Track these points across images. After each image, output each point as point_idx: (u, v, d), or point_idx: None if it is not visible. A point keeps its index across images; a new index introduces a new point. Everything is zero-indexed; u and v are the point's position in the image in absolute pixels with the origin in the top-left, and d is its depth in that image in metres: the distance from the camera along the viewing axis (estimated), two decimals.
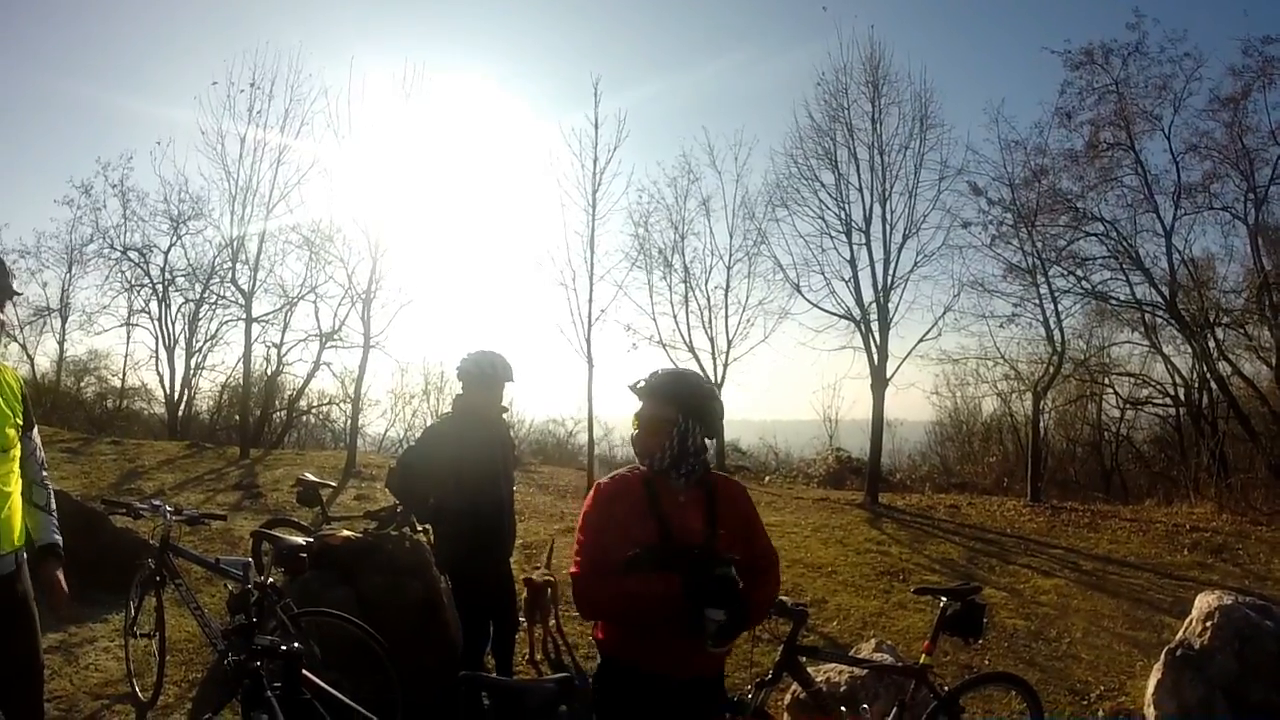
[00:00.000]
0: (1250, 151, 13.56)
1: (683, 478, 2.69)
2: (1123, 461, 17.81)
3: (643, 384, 2.76)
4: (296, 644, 2.87)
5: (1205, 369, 14.68)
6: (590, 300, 13.72)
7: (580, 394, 13.47)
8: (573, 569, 2.64)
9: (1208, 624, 4.94)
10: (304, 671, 2.92)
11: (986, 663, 5.85)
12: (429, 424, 4.89)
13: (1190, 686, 4.81)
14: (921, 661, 4.06)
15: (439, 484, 4.49)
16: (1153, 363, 16.66)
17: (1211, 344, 14.24)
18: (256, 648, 2.93)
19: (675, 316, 14.80)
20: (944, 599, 4.12)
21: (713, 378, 15.18)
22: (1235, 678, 4.73)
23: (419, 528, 4.96)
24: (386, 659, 3.91)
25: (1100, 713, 5.15)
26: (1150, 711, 4.96)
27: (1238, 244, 14.41)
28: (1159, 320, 14.95)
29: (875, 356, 12.99)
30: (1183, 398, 16.38)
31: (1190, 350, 14.82)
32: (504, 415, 4.91)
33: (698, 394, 2.77)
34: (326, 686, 2.87)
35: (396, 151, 14.77)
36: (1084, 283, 14.68)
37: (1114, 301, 15.13)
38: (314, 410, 22.18)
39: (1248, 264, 14.33)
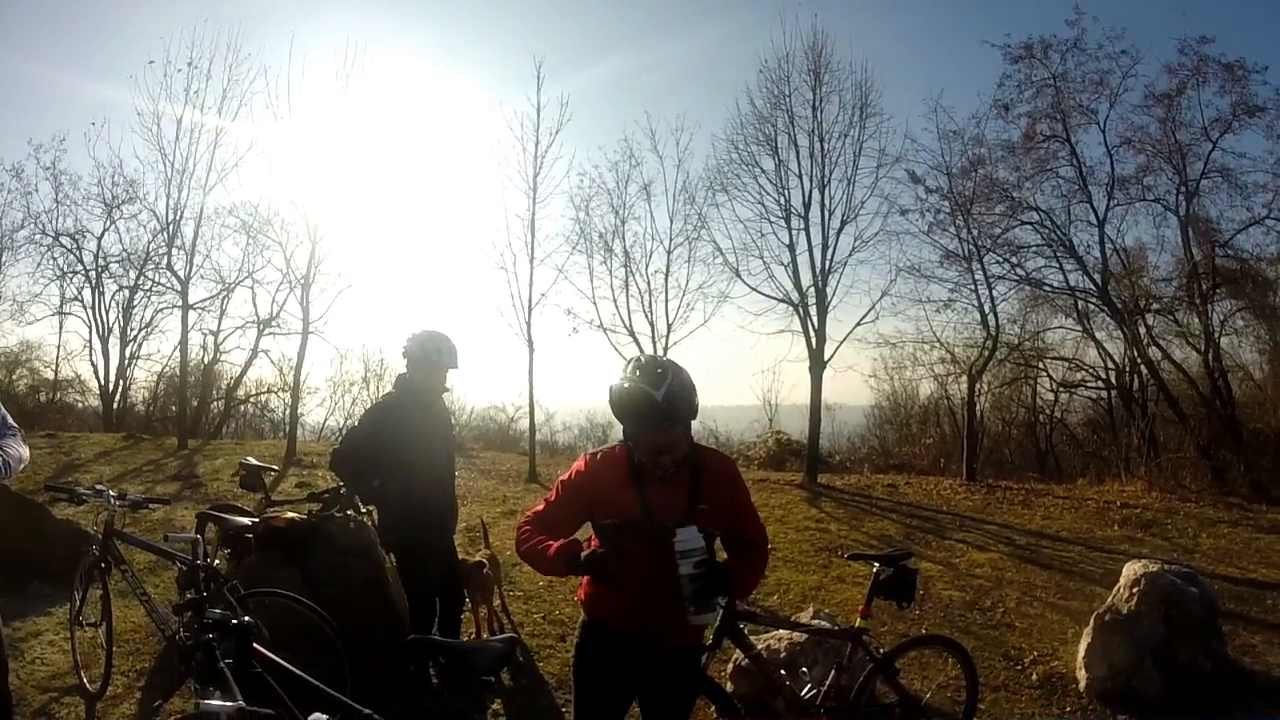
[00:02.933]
0: (1183, 146, 14.13)
1: (659, 461, 2.72)
2: (1057, 442, 18.33)
3: (664, 412, 2.60)
4: (247, 618, 2.83)
5: (1136, 354, 15.22)
6: (530, 284, 13.61)
7: (522, 380, 13.39)
8: (530, 513, 2.82)
9: (1135, 590, 5.07)
10: (255, 645, 2.87)
11: (923, 630, 5.89)
12: (371, 403, 4.84)
13: (1119, 649, 4.93)
14: (857, 624, 4.04)
15: (383, 464, 4.46)
16: (1085, 347, 17.18)
17: (1142, 330, 14.78)
18: (208, 621, 2.86)
19: (615, 300, 14.67)
20: (876, 564, 4.12)
21: None
22: (1162, 640, 4.85)
23: (363, 509, 4.87)
24: (336, 637, 3.90)
25: (1034, 676, 5.22)
26: (1081, 674, 5.06)
27: (1169, 234, 14.98)
28: (1091, 306, 15.41)
29: (813, 340, 13.17)
30: (1114, 381, 16.90)
31: (1122, 336, 15.32)
32: (445, 397, 4.91)
33: (694, 392, 2.74)
34: (278, 659, 2.82)
35: (336, 133, 14.56)
36: (1019, 269, 15.21)
37: (1048, 288, 15.62)
38: (252, 399, 21.92)
39: (1178, 254, 14.90)
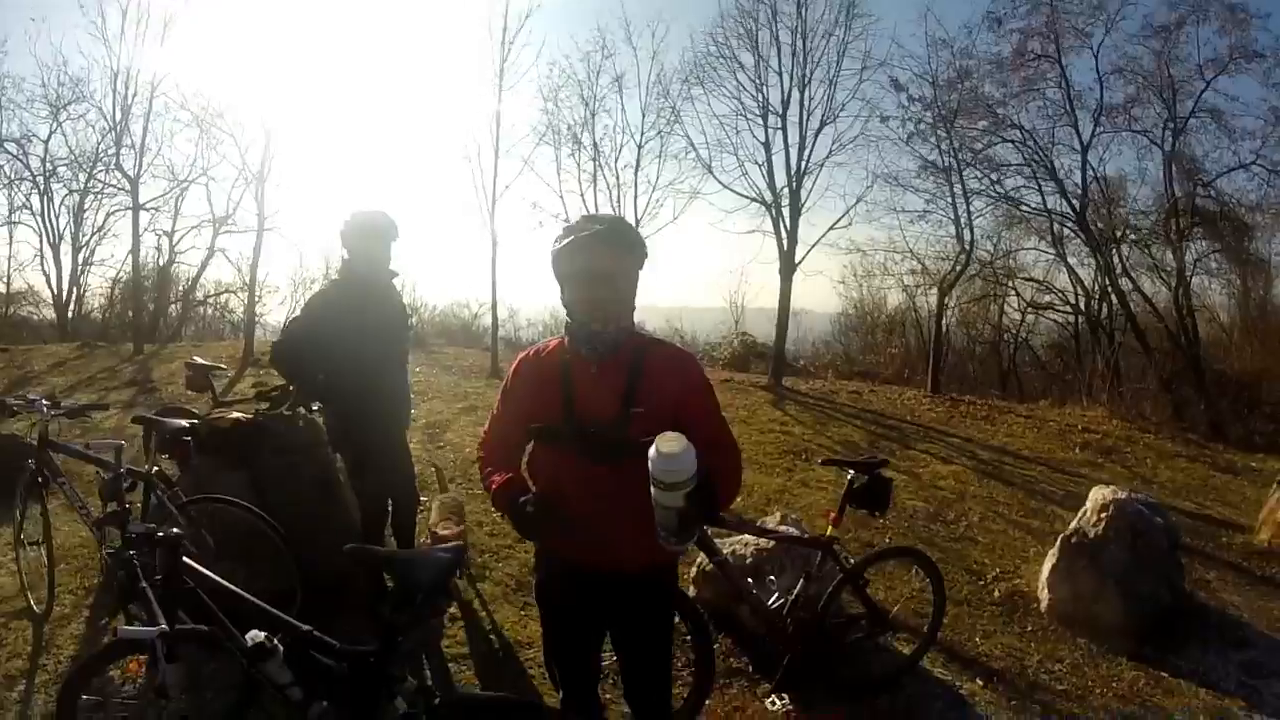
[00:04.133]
0: (1175, 82, 14.03)
1: (592, 344, 2.38)
2: (1020, 363, 18.49)
3: (598, 228, 2.35)
4: (175, 529, 2.55)
5: (1108, 282, 15.29)
6: (495, 175, 12.94)
7: (485, 276, 12.89)
8: (481, 439, 2.66)
9: (1103, 515, 5.04)
10: (185, 559, 2.56)
11: (888, 540, 5.83)
12: (312, 292, 4.38)
13: (1084, 574, 4.91)
14: (828, 533, 3.89)
15: (326, 356, 4.08)
16: (1056, 271, 17.24)
17: (1115, 260, 14.86)
18: (130, 535, 2.63)
19: (583, 195, 14.18)
20: (851, 472, 3.94)
21: None
22: (1126, 569, 4.84)
23: (313, 408, 4.56)
24: (282, 543, 3.74)
25: (996, 594, 5.19)
26: (1044, 595, 5.05)
27: (1151, 168, 15.07)
28: (1067, 231, 15.47)
29: (785, 241, 12.94)
30: (1083, 307, 16.98)
31: (1095, 263, 15.45)
32: (394, 280, 4.41)
33: (638, 233, 2.52)
34: (211, 574, 2.54)
35: (292, 18, 13.59)
36: (997, 186, 15.18)
37: (1025, 208, 15.64)
38: (210, 300, 21.50)
39: (1159, 189, 14.96)
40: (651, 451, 2.02)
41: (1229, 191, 14.56)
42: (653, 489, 2.05)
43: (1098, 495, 5.24)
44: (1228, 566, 5.79)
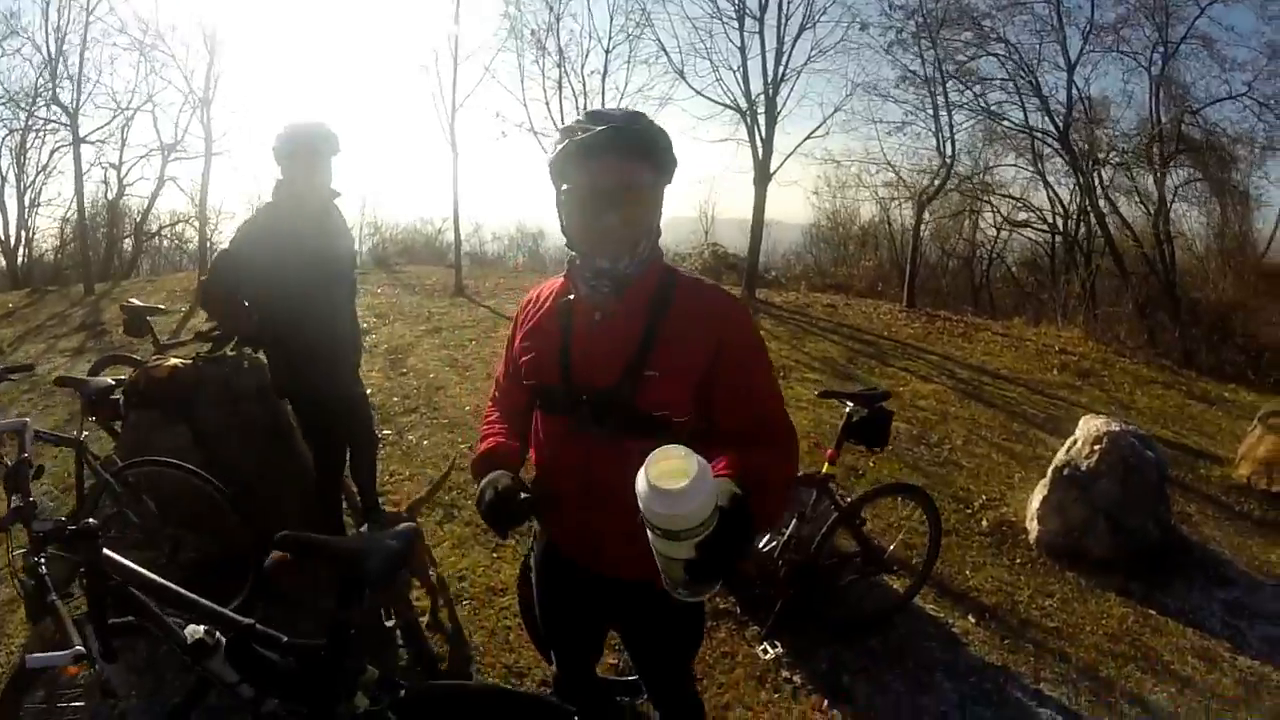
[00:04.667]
0: (1168, 5, 13.75)
1: (596, 283, 1.82)
2: (993, 279, 18.42)
3: (605, 128, 1.70)
4: (90, 519, 2.13)
5: (1087, 203, 15.20)
6: (454, 84, 12.18)
7: (447, 191, 12.23)
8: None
9: (1095, 448, 4.94)
10: (107, 552, 2.15)
11: (870, 464, 5.70)
12: (244, 220, 3.73)
13: (1074, 506, 4.84)
14: (825, 470, 3.69)
15: (262, 294, 3.58)
16: (1034, 190, 17.15)
17: (1096, 181, 14.73)
18: (38, 534, 2.20)
19: (548, 103, 13.50)
20: (850, 405, 3.71)
21: None
22: (1116, 503, 4.78)
23: (252, 351, 4.11)
24: (229, 506, 3.39)
25: (984, 523, 5.11)
26: (1033, 525, 4.97)
27: (1138, 92, 15.46)
28: (1048, 150, 15.34)
29: (760, 151, 12.52)
30: (1060, 227, 16.89)
31: (1076, 183, 15.37)
32: (336, 200, 3.79)
33: (667, 137, 1.82)
34: (137, 567, 2.14)
35: None
36: (980, 100, 14.90)
37: (1007, 124, 15.42)
38: (165, 231, 20.72)
39: (1144, 113, 14.83)
40: (640, 483, 1.38)
41: (1216, 121, 14.42)
42: (648, 532, 1.43)
43: (1089, 426, 5.13)
44: (1208, 500, 5.78)
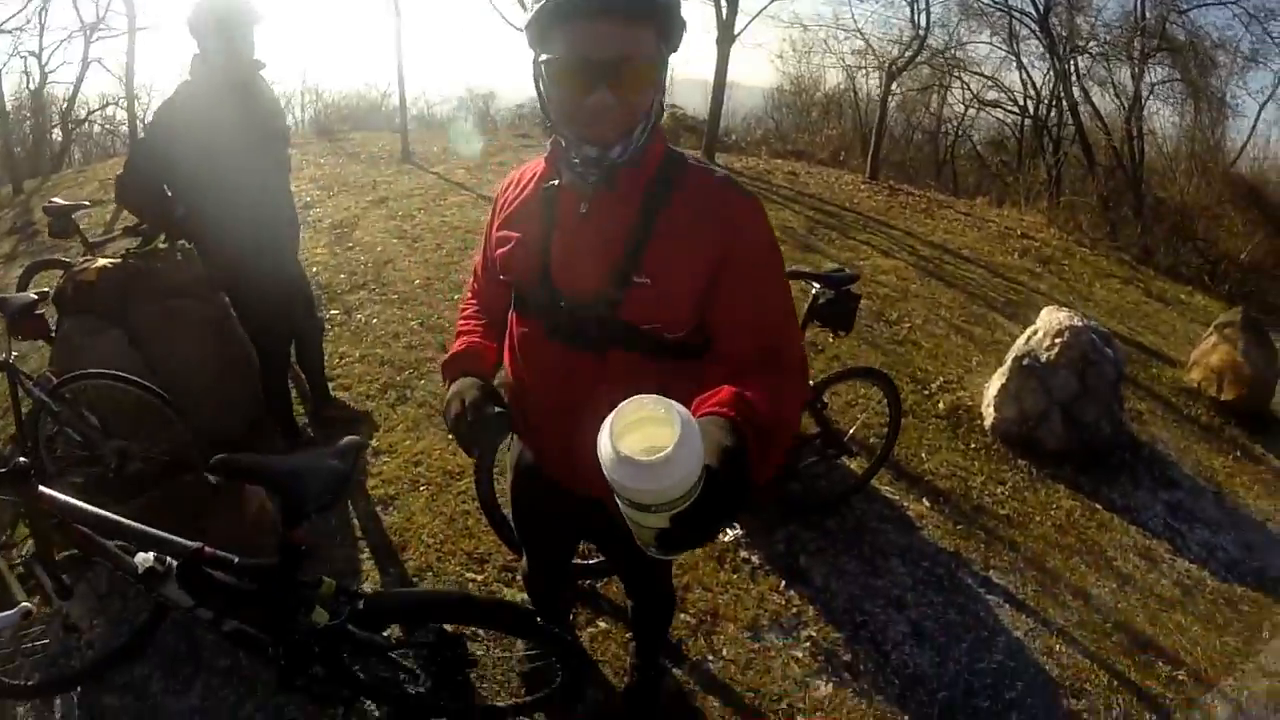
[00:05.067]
0: None
1: (583, 171, 1.48)
2: (958, 155, 18.10)
3: None
4: (20, 459, 1.96)
5: (1061, 90, 14.78)
6: None
7: (392, 56, 11.02)
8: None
9: (1057, 340, 4.88)
10: (43, 489, 1.96)
11: (830, 340, 5.50)
12: (160, 103, 3.17)
13: (1031, 396, 4.78)
14: None
15: (186, 181, 3.21)
16: (1007, 70, 16.64)
17: (1072, 68, 14.32)
18: None
19: None
20: (816, 286, 3.42)
21: None
22: (1073, 396, 4.75)
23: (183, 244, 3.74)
24: (171, 410, 3.21)
25: (941, 405, 5.01)
26: (989, 412, 4.90)
27: None
28: (1025, 31, 14.88)
29: (725, 9, 11.55)
30: (1031, 110, 16.54)
31: (1050, 68, 14.90)
32: (262, 73, 3.32)
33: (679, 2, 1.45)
34: (76, 501, 1.96)
35: None
36: None
37: (985, 1, 14.90)
38: (93, 117, 19.07)
39: (1128, 6, 14.31)
40: (604, 445, 1.03)
41: (1201, 25, 14.02)
42: (621, 505, 1.10)
43: (1052, 319, 5.03)
44: (1158, 400, 5.78)
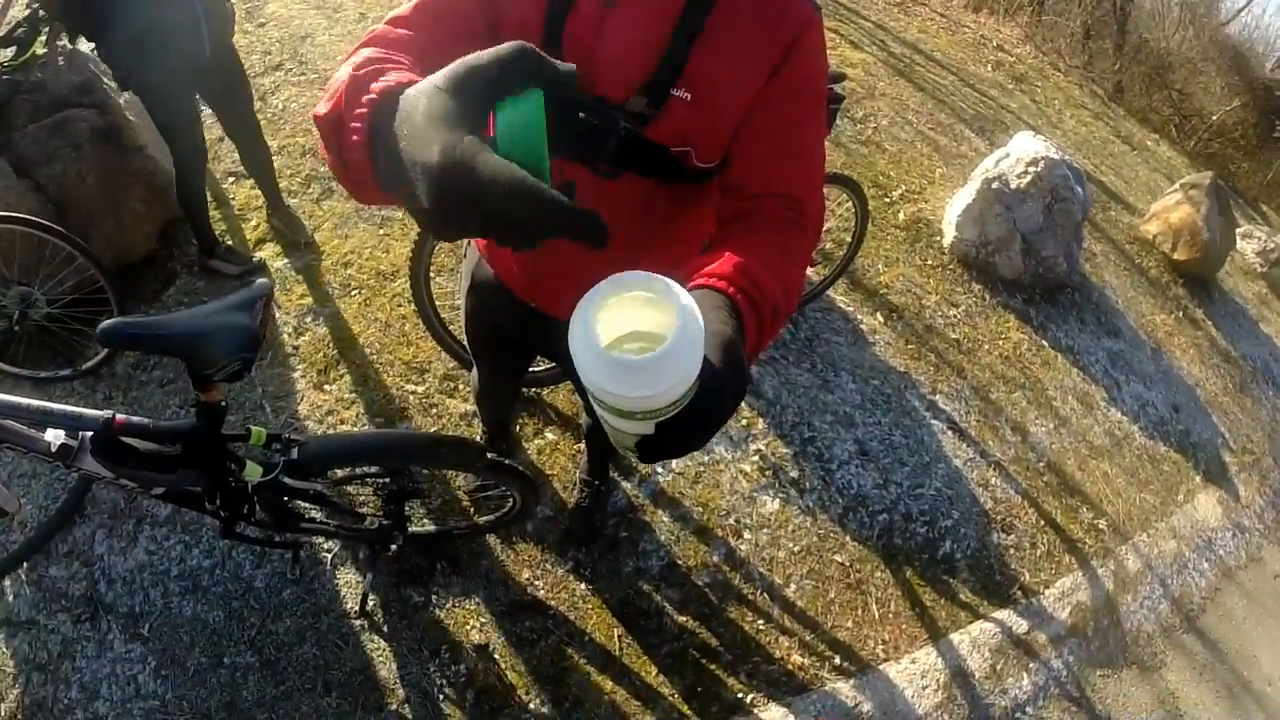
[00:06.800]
0: None
1: None
2: None
3: None
4: None
5: None
6: None
7: None
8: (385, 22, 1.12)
9: (1031, 170, 4.72)
10: None
11: None
12: None
13: (995, 221, 4.61)
14: None
15: None
16: None
17: None
18: None
19: None
20: None
21: None
22: (1036, 228, 4.65)
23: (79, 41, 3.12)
24: (67, 244, 2.73)
25: (900, 215, 4.74)
26: (949, 230, 4.69)
27: None
28: None
29: None
30: None
31: None
32: None
33: None
34: None
35: None
36: None
37: None
38: None
39: None
40: (578, 337, 0.72)
41: None
42: (595, 405, 0.81)
43: (1027, 146, 4.84)
44: (1112, 245, 5.70)
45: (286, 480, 1.86)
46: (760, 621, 2.54)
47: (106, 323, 1.52)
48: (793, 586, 2.65)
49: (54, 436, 1.71)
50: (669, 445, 0.80)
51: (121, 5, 2.63)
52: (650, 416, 0.77)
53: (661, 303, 0.74)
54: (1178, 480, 3.92)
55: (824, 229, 3.88)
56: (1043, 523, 3.21)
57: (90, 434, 1.71)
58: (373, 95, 0.77)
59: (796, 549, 2.73)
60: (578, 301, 0.74)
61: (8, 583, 2.37)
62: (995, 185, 4.65)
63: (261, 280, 1.71)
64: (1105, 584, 3.21)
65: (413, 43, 1.06)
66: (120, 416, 1.71)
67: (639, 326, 0.79)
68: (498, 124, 0.70)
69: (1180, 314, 5.27)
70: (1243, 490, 4.18)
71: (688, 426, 0.78)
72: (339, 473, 2.24)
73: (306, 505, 2.18)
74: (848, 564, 2.76)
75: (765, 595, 2.60)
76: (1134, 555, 3.39)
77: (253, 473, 1.80)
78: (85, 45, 3.32)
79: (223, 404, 1.70)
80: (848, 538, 2.75)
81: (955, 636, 2.73)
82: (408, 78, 0.80)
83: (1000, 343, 4.09)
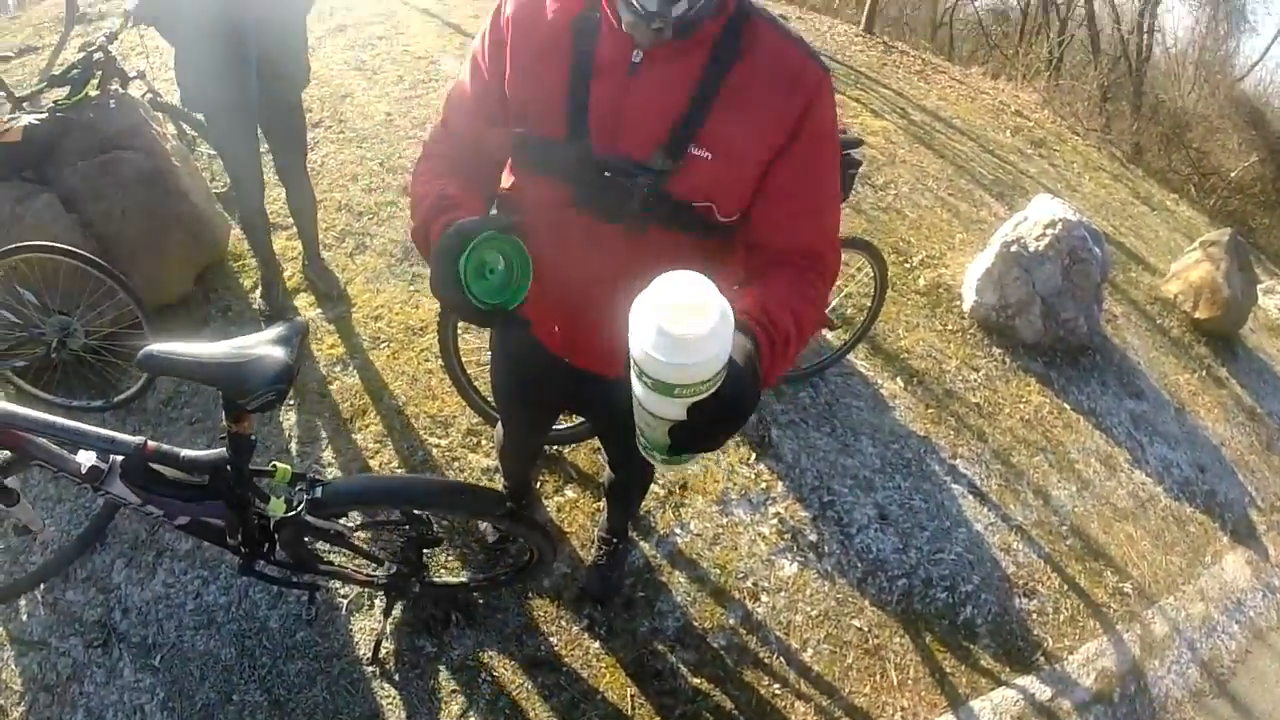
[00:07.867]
0: None
1: (652, 20, 1.20)
2: (956, 19, 17.40)
3: None
4: None
5: None
6: None
7: None
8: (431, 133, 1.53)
9: (1048, 231, 4.77)
10: None
11: None
12: None
13: (1014, 284, 4.66)
14: None
15: None
16: None
17: None
18: None
19: None
20: None
21: None
22: (1055, 290, 4.68)
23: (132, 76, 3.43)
24: (108, 277, 2.85)
25: (921, 281, 4.83)
26: (969, 295, 4.76)
27: None
28: None
29: None
30: None
31: None
32: None
33: None
34: (8, 407, 1.79)
35: None
36: None
37: None
38: None
39: None
40: (642, 319, 0.96)
41: None
42: (633, 381, 1.02)
43: (1045, 208, 4.90)
44: (1133, 306, 5.73)
45: (309, 518, 1.92)
46: (776, 686, 2.57)
47: (147, 348, 1.62)
48: (810, 651, 2.69)
49: (85, 458, 1.78)
50: (700, 428, 1.00)
51: (191, 32, 2.82)
52: (687, 394, 0.97)
53: (700, 304, 0.95)
54: (1205, 541, 3.90)
55: (845, 295, 3.99)
56: (1066, 587, 3.21)
57: (121, 458, 1.78)
58: (437, 227, 1.27)
59: (814, 613, 2.77)
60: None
61: (24, 602, 2.44)
62: (1014, 248, 4.72)
63: (298, 319, 1.82)
64: (1131, 649, 3.19)
65: (458, 142, 1.47)
66: (152, 443, 1.78)
67: (683, 324, 0.96)
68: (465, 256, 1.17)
69: (1204, 373, 5.27)
70: (1272, 550, 4.14)
71: (715, 410, 0.98)
72: (359, 517, 2.32)
73: (326, 547, 2.23)
74: (866, 629, 2.79)
75: (782, 659, 2.64)
76: (1161, 619, 3.38)
77: (276, 508, 1.87)
78: (136, 90, 3.55)
79: (252, 437, 1.77)
80: (866, 602, 2.79)
81: (976, 703, 2.74)
82: (450, 216, 1.28)
83: (1021, 406, 4.13)
